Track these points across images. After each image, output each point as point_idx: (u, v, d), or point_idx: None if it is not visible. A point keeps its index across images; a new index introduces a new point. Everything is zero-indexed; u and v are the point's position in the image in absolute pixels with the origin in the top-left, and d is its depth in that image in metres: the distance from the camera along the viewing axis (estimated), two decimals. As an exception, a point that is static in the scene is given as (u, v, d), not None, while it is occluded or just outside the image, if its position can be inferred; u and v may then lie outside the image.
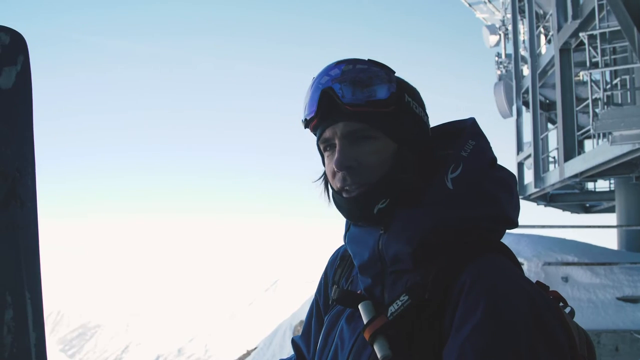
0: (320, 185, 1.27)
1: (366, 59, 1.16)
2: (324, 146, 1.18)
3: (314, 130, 1.20)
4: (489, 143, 1.20)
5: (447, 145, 1.18)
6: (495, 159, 1.19)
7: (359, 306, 1.13)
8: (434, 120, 1.26)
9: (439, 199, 1.10)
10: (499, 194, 1.13)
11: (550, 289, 1.17)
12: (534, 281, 1.11)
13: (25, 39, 1.22)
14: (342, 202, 1.16)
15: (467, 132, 1.18)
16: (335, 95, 1.11)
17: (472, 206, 1.10)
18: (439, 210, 1.09)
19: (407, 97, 1.15)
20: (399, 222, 1.11)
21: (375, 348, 1.04)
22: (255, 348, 13.40)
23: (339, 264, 1.36)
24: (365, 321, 1.09)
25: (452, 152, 1.15)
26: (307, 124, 1.19)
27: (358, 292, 1.19)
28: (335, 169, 1.13)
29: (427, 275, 1.06)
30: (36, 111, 1.20)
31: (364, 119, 1.12)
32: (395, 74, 1.16)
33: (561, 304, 1.15)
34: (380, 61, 1.15)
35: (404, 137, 1.14)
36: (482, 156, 1.16)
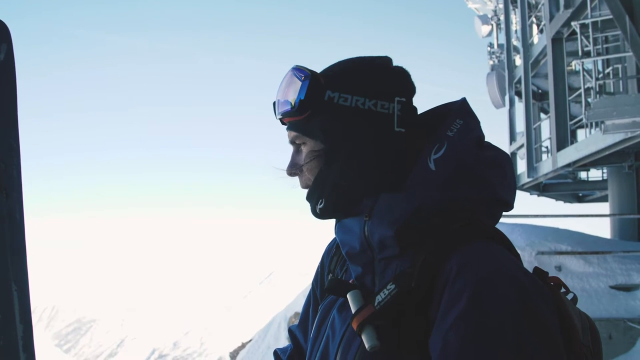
0: None
1: (294, 67, 1.18)
2: None
3: None
4: (478, 122, 1.17)
5: (436, 126, 1.14)
6: (482, 137, 1.15)
7: (348, 295, 1.10)
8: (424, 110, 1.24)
9: (421, 181, 1.08)
10: (487, 173, 1.09)
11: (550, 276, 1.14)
12: (532, 268, 1.09)
13: (9, 28, 1.20)
14: None
15: (455, 111, 1.15)
16: (273, 109, 1.21)
17: (455, 186, 1.07)
18: (419, 191, 1.07)
19: (329, 94, 1.12)
20: (381, 206, 1.09)
21: (363, 338, 1.02)
22: (250, 340, 13.41)
23: (335, 252, 1.34)
24: (353, 311, 1.07)
25: (438, 132, 1.13)
26: None
27: (350, 281, 1.17)
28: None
29: (415, 262, 1.04)
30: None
31: (293, 127, 1.18)
32: (314, 74, 1.14)
33: (563, 290, 1.11)
34: (304, 65, 1.17)
35: (330, 135, 1.13)
36: (469, 135, 1.12)
